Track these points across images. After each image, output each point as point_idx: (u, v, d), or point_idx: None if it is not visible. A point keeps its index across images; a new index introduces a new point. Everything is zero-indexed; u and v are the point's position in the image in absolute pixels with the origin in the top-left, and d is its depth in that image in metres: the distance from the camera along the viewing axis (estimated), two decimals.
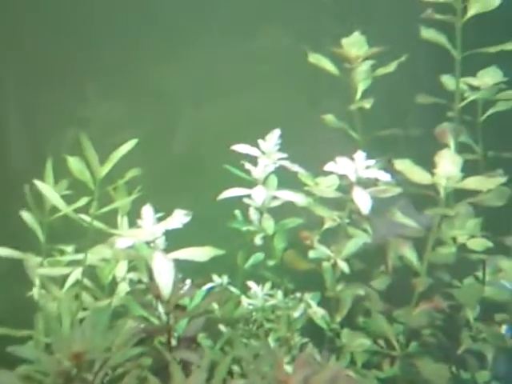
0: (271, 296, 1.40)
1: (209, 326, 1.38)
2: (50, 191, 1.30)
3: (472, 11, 1.35)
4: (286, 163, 1.41)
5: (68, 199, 1.34)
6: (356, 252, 1.43)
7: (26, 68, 1.62)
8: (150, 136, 1.63)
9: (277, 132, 1.43)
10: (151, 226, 1.20)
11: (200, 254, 1.26)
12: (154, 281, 1.13)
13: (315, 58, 1.41)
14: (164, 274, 1.11)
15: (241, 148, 1.42)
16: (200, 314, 1.23)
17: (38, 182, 1.30)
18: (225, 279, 1.52)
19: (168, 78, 1.71)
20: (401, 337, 1.49)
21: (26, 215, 1.40)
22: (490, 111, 1.57)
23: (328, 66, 1.41)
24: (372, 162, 1.26)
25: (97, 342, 1.06)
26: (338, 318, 1.39)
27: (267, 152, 1.41)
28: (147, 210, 1.22)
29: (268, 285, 1.43)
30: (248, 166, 1.39)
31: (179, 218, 1.19)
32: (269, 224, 1.35)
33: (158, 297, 1.12)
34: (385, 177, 1.24)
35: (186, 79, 1.71)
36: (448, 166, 1.17)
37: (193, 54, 1.69)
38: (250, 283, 1.43)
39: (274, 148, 1.42)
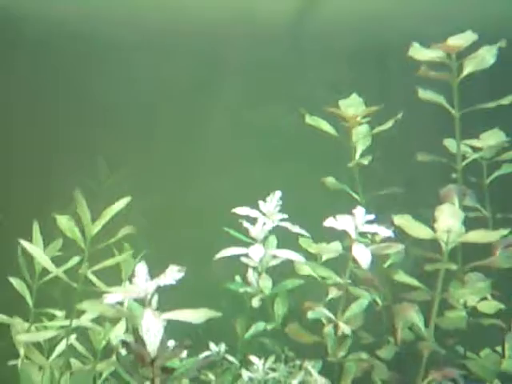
0: (273, 370, 1.33)
1: None
2: (39, 253, 1.27)
3: (468, 69, 1.35)
4: (287, 224, 1.38)
5: (61, 258, 1.32)
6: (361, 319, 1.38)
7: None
8: (153, 199, 1.63)
9: (277, 194, 1.41)
10: (143, 283, 1.15)
11: (194, 316, 1.20)
12: (138, 341, 1.07)
13: (312, 120, 1.41)
14: (152, 332, 1.05)
15: (241, 210, 1.40)
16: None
17: (26, 244, 1.27)
18: (222, 347, 1.45)
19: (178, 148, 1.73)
20: None
21: (15, 281, 1.37)
22: (496, 174, 1.54)
23: (325, 126, 1.40)
24: (372, 216, 1.22)
25: None
26: None
27: (267, 213, 1.39)
28: (140, 267, 1.18)
29: (271, 358, 1.36)
30: (246, 224, 1.36)
31: (172, 274, 1.15)
32: (266, 284, 1.30)
33: (142, 360, 1.05)
34: (386, 232, 1.19)
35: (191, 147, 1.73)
36: (449, 219, 1.12)
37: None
38: (252, 357, 1.36)
39: (275, 209, 1.40)
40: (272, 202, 1.41)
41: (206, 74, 1.74)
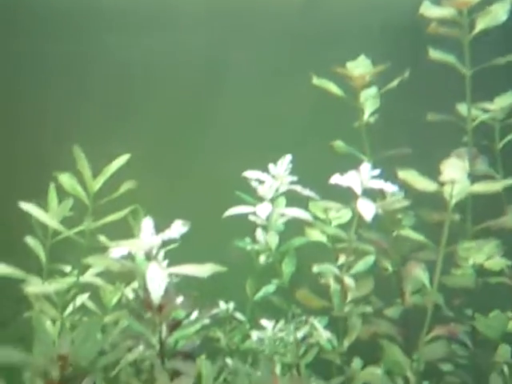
0: (282, 330, 1.35)
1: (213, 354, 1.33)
2: (44, 216, 1.28)
3: (480, 26, 1.33)
4: (296, 187, 1.39)
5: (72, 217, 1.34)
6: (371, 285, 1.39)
7: None
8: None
9: (288, 157, 1.42)
10: (149, 237, 1.17)
11: (200, 270, 1.22)
12: (146, 291, 1.09)
13: (320, 81, 1.40)
14: (156, 281, 1.07)
15: (251, 173, 1.41)
16: (197, 331, 1.18)
17: (30, 207, 1.28)
18: (231, 305, 1.47)
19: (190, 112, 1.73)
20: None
21: (29, 239, 1.40)
22: (509, 137, 1.52)
23: (333, 88, 1.39)
24: (377, 171, 1.22)
25: (85, 347, 1.01)
26: (347, 343, 1.30)
27: (277, 175, 1.40)
28: (147, 222, 1.20)
29: (281, 321, 1.38)
30: (255, 184, 1.37)
31: (177, 229, 1.16)
32: (273, 240, 1.31)
33: (149, 306, 1.07)
34: (391, 188, 1.19)
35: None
36: (453, 172, 1.11)
37: None
38: (262, 321, 1.38)
39: (285, 172, 1.40)
40: (282, 165, 1.42)
41: (219, 46, 1.74)
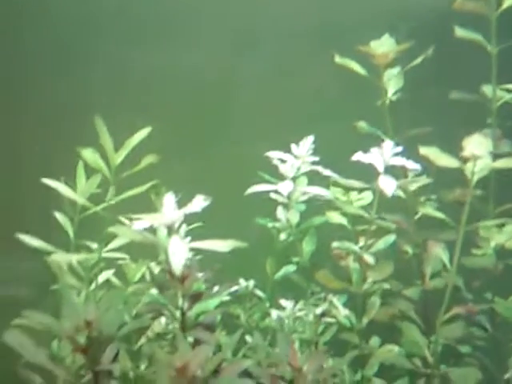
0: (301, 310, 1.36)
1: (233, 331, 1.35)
2: (70, 193, 1.31)
3: (508, 2, 1.31)
4: (318, 167, 1.39)
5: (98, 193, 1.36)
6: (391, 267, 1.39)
7: None
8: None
9: (310, 138, 1.43)
10: (171, 212, 1.19)
11: (221, 245, 1.24)
12: (168, 263, 1.11)
13: (342, 60, 1.40)
14: (178, 254, 1.09)
15: (274, 154, 1.42)
16: (217, 307, 1.20)
17: (58, 184, 1.30)
18: (251, 283, 1.49)
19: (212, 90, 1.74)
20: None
21: (58, 215, 1.42)
22: None
23: (355, 66, 1.39)
24: (400, 149, 1.22)
25: (108, 316, 1.04)
26: (365, 320, 1.31)
27: (299, 155, 1.41)
28: (169, 197, 1.22)
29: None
30: (276, 162, 1.38)
31: (198, 203, 1.18)
32: (294, 217, 1.32)
33: (171, 278, 1.10)
34: (413, 165, 1.19)
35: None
36: (475, 148, 1.11)
37: None
38: (282, 301, 1.39)
39: (307, 153, 1.41)
40: (304, 146, 1.42)
41: (245, 21, 1.74)
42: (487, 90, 1.48)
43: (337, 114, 1.65)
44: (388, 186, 1.16)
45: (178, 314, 1.13)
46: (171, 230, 1.18)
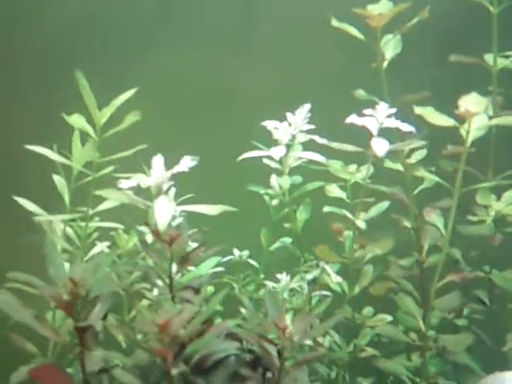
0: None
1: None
2: (59, 158, 1.29)
3: None
4: (315, 136, 1.37)
5: None
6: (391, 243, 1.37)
7: None
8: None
9: (306, 106, 1.40)
10: (159, 172, 1.18)
11: (210, 208, 1.23)
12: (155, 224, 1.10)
13: (338, 24, 1.37)
14: (163, 212, 1.07)
15: (270, 123, 1.40)
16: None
17: (46, 151, 1.29)
18: (245, 253, 1.47)
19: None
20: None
21: (56, 178, 1.41)
22: None
23: (352, 30, 1.36)
24: (394, 110, 1.19)
25: (95, 276, 1.03)
26: (357, 288, 1.29)
27: (294, 124, 1.38)
28: (157, 159, 1.21)
29: (309, 276, 1.36)
30: (270, 128, 1.36)
31: (186, 163, 1.17)
32: (286, 182, 1.29)
33: (157, 235, 1.08)
34: (407, 128, 1.16)
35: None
36: (471, 106, 1.07)
37: None
38: (278, 276, 1.37)
39: (303, 121, 1.39)
40: (300, 114, 1.40)
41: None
42: (488, 57, 1.45)
43: (337, 82, 1.62)
44: (380, 147, 1.13)
45: (165, 276, 1.11)
46: (159, 190, 1.17)
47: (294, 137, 1.38)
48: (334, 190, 1.48)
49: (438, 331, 1.39)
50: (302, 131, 1.37)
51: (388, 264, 1.40)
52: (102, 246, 1.42)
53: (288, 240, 1.50)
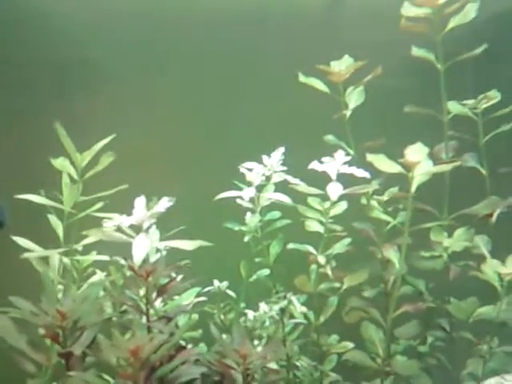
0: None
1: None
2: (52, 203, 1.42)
3: (451, 24, 1.43)
4: (288, 176, 1.50)
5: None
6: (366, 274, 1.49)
7: None
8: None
9: (281, 149, 1.54)
10: (141, 212, 1.31)
11: (188, 244, 1.35)
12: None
13: (305, 79, 1.51)
14: (140, 248, 1.20)
15: (247, 165, 1.53)
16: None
17: (35, 197, 1.41)
18: (224, 283, 1.59)
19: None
20: (399, 356, 1.49)
21: (51, 218, 1.54)
22: (493, 132, 1.59)
23: (318, 85, 1.50)
24: (349, 158, 1.32)
25: (85, 305, 1.16)
26: (322, 318, 1.41)
27: (269, 166, 1.51)
28: (139, 200, 1.34)
29: (276, 307, 1.48)
30: (244, 171, 1.49)
31: (163, 204, 1.30)
32: (255, 220, 1.42)
33: (133, 269, 1.21)
34: (362, 173, 1.29)
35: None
36: (415, 155, 1.21)
37: None
38: (261, 305, 1.48)
39: (277, 163, 1.52)
40: (275, 157, 1.53)
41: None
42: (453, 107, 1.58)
43: (308, 129, 1.75)
44: (334, 191, 1.26)
45: (142, 305, 1.24)
46: (140, 228, 1.30)
47: (268, 177, 1.52)
48: (312, 225, 1.61)
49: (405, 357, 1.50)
50: (276, 172, 1.51)
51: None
52: (99, 276, 1.56)
53: (266, 272, 1.62)
